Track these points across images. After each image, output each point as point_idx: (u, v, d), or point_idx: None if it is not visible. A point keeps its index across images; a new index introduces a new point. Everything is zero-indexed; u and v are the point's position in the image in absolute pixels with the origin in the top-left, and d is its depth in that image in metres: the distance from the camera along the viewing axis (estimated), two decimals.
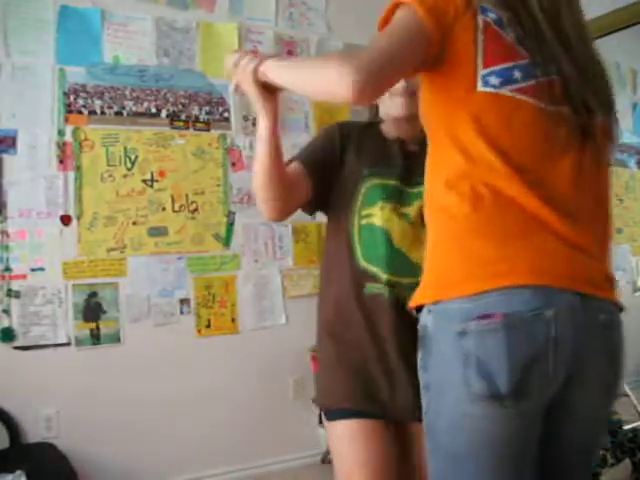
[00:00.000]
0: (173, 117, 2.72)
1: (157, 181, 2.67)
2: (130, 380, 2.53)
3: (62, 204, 2.50)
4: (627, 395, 3.07)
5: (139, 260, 2.62)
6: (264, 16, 2.96)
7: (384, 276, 1.22)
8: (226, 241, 2.78)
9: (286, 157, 1.24)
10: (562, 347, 0.88)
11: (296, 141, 2.40)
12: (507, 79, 0.92)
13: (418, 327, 0.97)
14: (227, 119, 2.82)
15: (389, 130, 1.34)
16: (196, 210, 2.73)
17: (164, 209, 2.67)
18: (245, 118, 2.80)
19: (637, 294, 3.34)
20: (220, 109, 2.80)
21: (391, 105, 1.28)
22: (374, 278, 1.23)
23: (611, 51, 3.00)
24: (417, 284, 1.00)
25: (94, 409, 2.49)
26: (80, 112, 2.55)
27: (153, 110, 2.68)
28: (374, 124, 1.37)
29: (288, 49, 3.02)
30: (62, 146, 2.51)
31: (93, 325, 2.54)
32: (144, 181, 2.65)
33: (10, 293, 2.41)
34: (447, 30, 0.93)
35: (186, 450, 2.63)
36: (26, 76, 2.45)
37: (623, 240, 3.28)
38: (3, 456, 2.23)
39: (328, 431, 1.31)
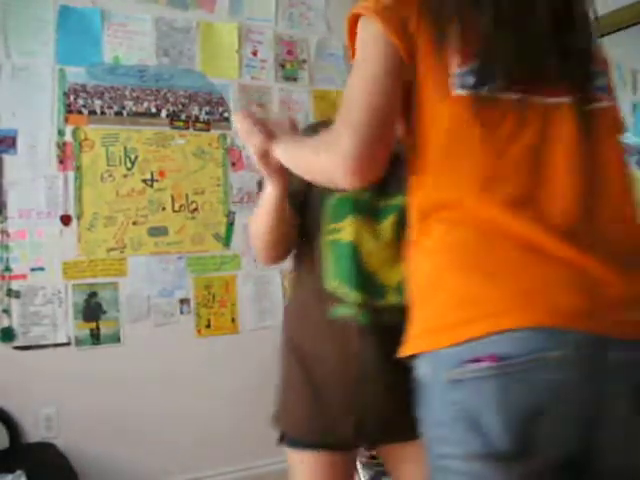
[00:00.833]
0: (173, 117, 2.72)
1: (157, 181, 2.67)
2: (130, 380, 2.53)
3: (62, 204, 2.50)
4: None
5: (139, 260, 2.62)
6: (264, 16, 2.96)
7: (352, 297, 1.10)
8: (226, 241, 2.78)
9: None
10: (571, 396, 0.74)
11: None
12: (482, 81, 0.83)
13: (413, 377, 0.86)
14: (227, 119, 2.82)
15: None
16: (196, 210, 2.73)
17: (164, 209, 2.67)
18: None
19: None
20: (220, 109, 2.80)
21: None
22: (341, 299, 1.11)
23: (611, 51, 3.02)
24: (390, 307, 0.96)
25: (94, 409, 2.48)
26: (80, 112, 2.55)
27: (153, 110, 2.68)
28: None
29: (288, 49, 3.02)
30: (62, 146, 2.51)
31: (93, 325, 2.54)
32: (144, 181, 2.65)
33: (10, 293, 2.41)
34: (416, 39, 0.84)
35: (186, 450, 2.63)
36: (26, 76, 2.45)
37: None
38: (3, 456, 2.23)
39: (288, 455, 1.20)
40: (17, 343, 2.41)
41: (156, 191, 2.66)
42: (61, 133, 2.51)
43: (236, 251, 2.80)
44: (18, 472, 1.97)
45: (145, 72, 2.67)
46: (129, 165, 2.63)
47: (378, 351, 1.08)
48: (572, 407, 0.74)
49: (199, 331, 2.72)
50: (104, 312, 2.56)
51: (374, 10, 0.85)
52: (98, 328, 2.55)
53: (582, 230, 0.79)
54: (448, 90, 0.83)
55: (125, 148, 2.62)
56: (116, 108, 2.61)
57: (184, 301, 2.71)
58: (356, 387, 1.09)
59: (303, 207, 1.18)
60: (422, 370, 0.83)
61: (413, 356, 0.84)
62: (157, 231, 2.65)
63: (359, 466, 2.49)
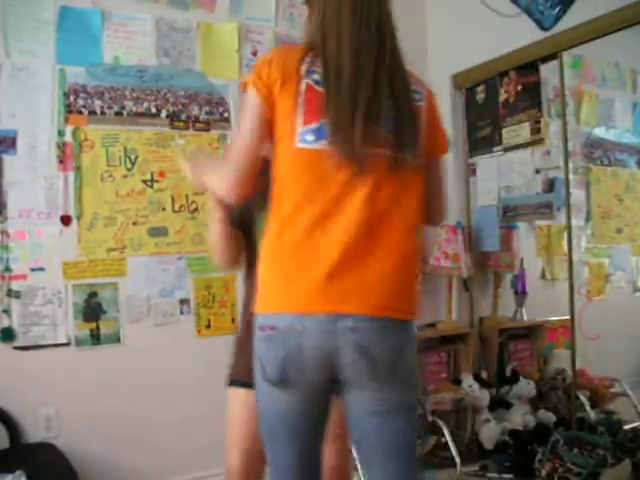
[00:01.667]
0: (173, 117, 2.72)
1: (157, 181, 2.67)
2: (130, 380, 2.53)
3: (62, 204, 2.50)
4: (627, 395, 3.07)
5: (139, 260, 2.62)
6: (264, 16, 2.96)
7: None
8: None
9: None
10: (311, 349, 1.19)
11: None
12: (319, 135, 1.19)
13: None
14: (227, 119, 2.82)
15: None
16: (196, 210, 2.73)
17: (164, 209, 2.67)
18: None
19: (637, 294, 3.34)
20: (220, 109, 2.80)
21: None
22: None
23: (611, 51, 3.02)
24: None
25: (94, 409, 2.49)
26: (80, 112, 2.55)
27: (153, 110, 2.68)
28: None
29: None
30: (62, 146, 2.51)
31: (93, 325, 2.54)
32: (144, 181, 2.65)
33: (10, 293, 2.41)
34: (276, 97, 1.22)
35: (186, 450, 2.63)
36: (26, 76, 2.45)
37: (623, 240, 3.28)
38: (3, 456, 2.23)
39: (229, 395, 1.63)
40: (17, 343, 2.41)
41: (156, 191, 2.66)
42: (61, 133, 2.51)
43: None
44: (18, 472, 1.97)
45: (145, 72, 2.67)
46: (129, 165, 2.63)
47: None
48: (318, 351, 1.18)
49: (199, 331, 2.72)
50: (104, 312, 2.56)
51: (252, 81, 1.24)
52: (98, 328, 2.55)
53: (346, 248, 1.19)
54: (292, 143, 1.20)
55: (125, 148, 2.62)
56: (116, 108, 2.61)
57: (184, 301, 2.71)
58: None
59: (248, 227, 1.59)
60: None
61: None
62: (157, 231, 2.65)
63: (359, 466, 2.49)
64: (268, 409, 1.28)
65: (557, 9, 2.74)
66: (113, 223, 2.58)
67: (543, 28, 2.80)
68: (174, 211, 2.69)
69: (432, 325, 3.27)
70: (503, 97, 3.06)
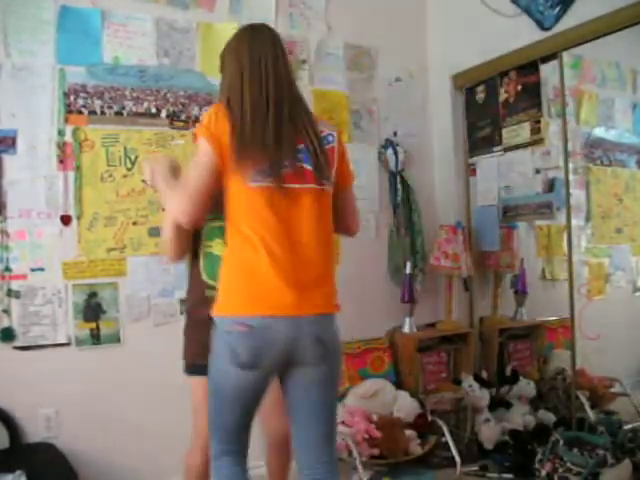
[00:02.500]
0: (173, 117, 2.72)
1: None
2: (130, 380, 2.54)
3: (62, 204, 2.50)
4: (627, 395, 3.07)
5: (139, 260, 2.62)
6: (264, 16, 2.95)
7: (214, 285, 1.71)
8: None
9: None
10: (280, 342, 1.52)
11: None
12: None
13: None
14: None
15: None
16: None
17: (164, 209, 2.67)
18: None
19: (637, 294, 3.34)
20: None
21: None
22: (210, 286, 1.80)
23: (611, 51, 3.02)
24: None
25: (94, 409, 2.49)
26: (80, 112, 2.55)
27: (153, 110, 2.68)
28: None
29: (288, 49, 3.01)
30: (62, 146, 2.51)
31: (93, 325, 2.54)
32: (144, 181, 2.63)
33: (10, 293, 2.41)
34: (225, 149, 1.52)
35: (186, 450, 2.62)
36: (26, 76, 2.45)
37: (623, 240, 3.28)
38: (3, 456, 2.23)
39: (193, 384, 1.88)
40: (17, 343, 2.41)
41: (156, 191, 2.65)
42: (61, 133, 2.51)
43: None
44: (18, 472, 1.97)
45: (145, 72, 2.67)
46: (129, 165, 2.63)
47: None
48: (285, 344, 1.53)
49: None
50: (104, 312, 2.56)
51: (202, 133, 1.55)
52: (98, 328, 2.55)
53: (296, 260, 1.56)
54: (246, 182, 1.53)
55: (125, 148, 2.62)
56: (116, 108, 2.61)
57: (184, 301, 2.70)
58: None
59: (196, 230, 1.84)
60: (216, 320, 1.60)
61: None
62: (157, 231, 2.65)
63: (359, 466, 2.49)
64: (230, 386, 1.58)
65: (557, 9, 2.74)
66: (113, 223, 2.58)
67: (543, 28, 2.80)
68: None
69: (432, 325, 3.28)
70: (503, 97, 3.06)
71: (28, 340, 2.43)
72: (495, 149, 3.14)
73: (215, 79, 2.76)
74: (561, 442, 2.44)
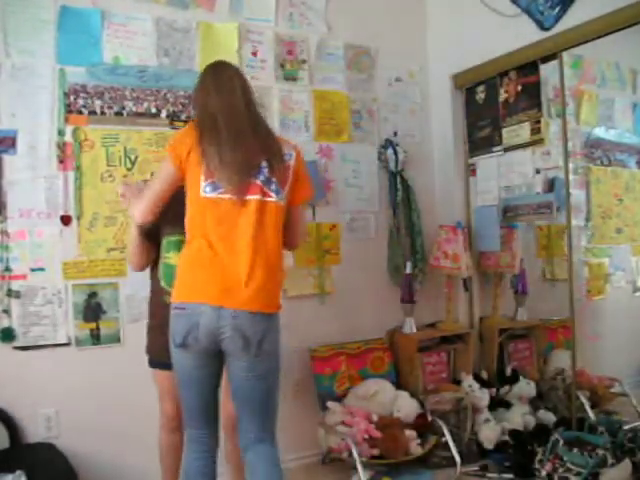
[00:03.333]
0: (173, 117, 2.72)
1: None
2: (130, 380, 2.53)
3: (62, 204, 2.50)
4: (627, 395, 3.07)
5: None
6: (264, 16, 2.96)
7: (169, 292, 1.95)
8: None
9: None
10: (204, 326, 1.77)
11: (296, 141, 2.40)
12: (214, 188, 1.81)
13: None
14: None
15: None
16: None
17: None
18: None
19: (637, 294, 3.34)
20: None
21: None
22: (166, 292, 2.04)
23: (611, 51, 3.02)
24: None
25: (94, 409, 2.49)
26: (80, 112, 2.55)
27: (153, 110, 2.68)
28: None
29: (288, 49, 3.02)
30: (62, 146, 2.51)
31: (93, 325, 2.54)
32: (144, 181, 2.64)
33: (10, 293, 2.41)
34: (184, 164, 1.83)
35: None
36: (26, 76, 2.45)
37: (623, 240, 3.28)
38: (3, 456, 2.23)
39: (155, 375, 2.18)
40: (17, 343, 2.41)
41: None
42: (61, 133, 2.51)
43: None
44: (18, 472, 1.97)
45: (145, 72, 2.67)
46: (129, 165, 2.63)
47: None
48: (208, 329, 1.78)
49: None
50: (104, 312, 2.56)
51: (167, 149, 1.89)
52: (98, 328, 2.55)
53: (239, 260, 1.80)
54: (198, 193, 1.81)
55: (125, 148, 2.62)
56: (116, 108, 2.61)
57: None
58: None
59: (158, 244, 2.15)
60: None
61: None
62: None
63: (359, 466, 2.49)
64: (180, 366, 1.86)
65: (557, 9, 2.74)
66: (113, 223, 2.58)
67: (543, 28, 2.80)
68: None
69: (432, 325, 3.28)
70: (503, 97, 3.06)
71: (28, 340, 2.43)
72: (495, 149, 3.14)
73: None
74: (561, 442, 2.44)
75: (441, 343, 3.23)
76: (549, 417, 2.95)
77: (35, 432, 2.41)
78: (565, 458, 2.38)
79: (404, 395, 2.88)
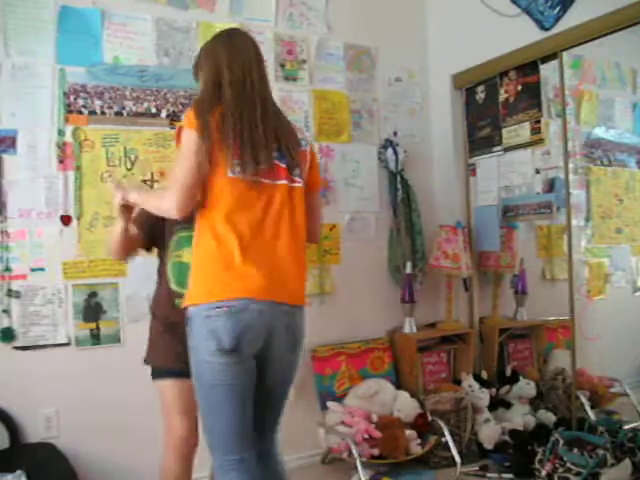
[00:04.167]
0: (173, 117, 2.72)
1: (157, 181, 2.67)
2: (130, 380, 2.53)
3: (62, 204, 2.50)
4: (627, 395, 3.07)
5: (139, 260, 2.59)
6: (264, 16, 2.96)
7: (183, 294, 1.76)
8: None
9: None
10: (258, 324, 1.58)
11: None
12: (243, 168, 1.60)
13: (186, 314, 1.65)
14: None
15: None
16: None
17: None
18: None
19: (637, 294, 3.34)
20: None
21: None
22: (179, 295, 1.87)
23: (611, 51, 3.02)
24: None
25: (94, 409, 2.49)
26: (80, 112, 2.55)
27: (153, 110, 2.68)
28: None
29: (288, 49, 3.02)
30: (62, 146, 2.51)
31: (93, 325, 2.54)
32: (144, 181, 2.65)
33: (10, 293, 2.41)
34: (213, 134, 1.57)
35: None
36: (26, 76, 2.45)
37: (623, 240, 3.28)
38: (3, 456, 2.23)
39: (159, 388, 1.96)
40: (17, 343, 2.41)
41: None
42: (61, 133, 2.51)
43: None
44: (18, 472, 1.97)
45: (145, 72, 2.67)
46: (129, 165, 2.63)
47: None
48: (259, 330, 1.59)
49: None
50: (104, 312, 2.56)
51: (190, 124, 1.59)
52: (98, 328, 2.55)
53: (273, 252, 1.63)
54: (224, 173, 1.59)
55: (125, 148, 2.62)
56: (116, 108, 2.61)
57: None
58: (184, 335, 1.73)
59: (154, 235, 1.99)
60: (192, 310, 1.62)
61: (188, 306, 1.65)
62: None
63: (359, 466, 2.49)
64: (223, 377, 1.58)
65: (557, 9, 2.74)
66: (113, 223, 2.57)
67: (543, 28, 2.80)
68: None
69: (432, 325, 3.28)
70: (503, 97, 3.06)
71: (28, 340, 2.43)
72: (495, 149, 3.14)
73: None
74: (561, 442, 2.44)
75: (441, 343, 3.23)
76: (549, 417, 2.95)
77: (35, 432, 2.41)
78: (565, 458, 2.38)
79: (404, 395, 2.88)
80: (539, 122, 2.88)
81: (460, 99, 3.34)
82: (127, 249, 1.99)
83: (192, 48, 2.76)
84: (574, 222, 2.85)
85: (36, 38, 2.47)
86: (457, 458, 2.65)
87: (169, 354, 1.91)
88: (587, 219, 3.18)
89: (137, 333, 2.58)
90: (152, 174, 2.66)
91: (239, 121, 1.60)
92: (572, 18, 2.65)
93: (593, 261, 3.22)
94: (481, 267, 3.32)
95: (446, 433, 2.69)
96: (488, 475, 2.66)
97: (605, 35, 2.50)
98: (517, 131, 2.99)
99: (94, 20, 2.57)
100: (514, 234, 3.21)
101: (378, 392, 2.86)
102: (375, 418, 2.70)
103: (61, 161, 2.50)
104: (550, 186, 3.11)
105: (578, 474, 2.32)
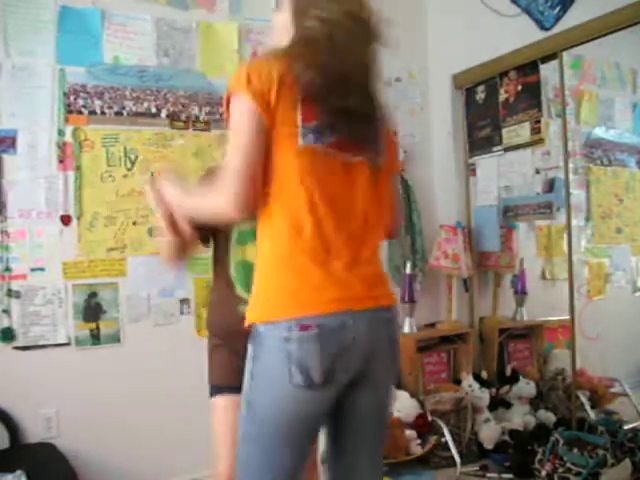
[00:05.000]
0: (173, 117, 2.72)
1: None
2: (130, 380, 2.53)
3: (62, 204, 2.50)
4: (627, 395, 3.07)
5: (139, 260, 2.62)
6: (264, 16, 2.94)
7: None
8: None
9: None
10: (359, 344, 1.20)
11: None
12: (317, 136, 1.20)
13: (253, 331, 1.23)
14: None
15: None
16: None
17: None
18: None
19: (637, 294, 3.34)
20: (220, 109, 2.80)
21: None
22: (244, 300, 1.45)
23: (611, 51, 3.02)
24: None
25: (94, 409, 2.49)
26: (80, 112, 2.55)
27: (153, 110, 2.68)
28: None
29: None
30: (62, 146, 2.51)
31: (93, 325, 2.54)
32: (144, 181, 2.65)
33: (10, 293, 2.41)
34: (273, 106, 1.17)
35: (186, 450, 2.62)
36: (26, 76, 2.45)
37: (623, 240, 3.28)
38: (3, 456, 2.23)
39: (213, 407, 1.69)
40: (17, 343, 2.41)
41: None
42: (61, 133, 2.51)
43: None
44: (18, 472, 1.97)
45: (145, 72, 2.67)
46: (129, 165, 2.63)
47: None
48: (360, 350, 1.20)
49: (199, 331, 2.71)
50: (104, 312, 2.56)
51: (241, 89, 1.17)
52: (98, 328, 2.55)
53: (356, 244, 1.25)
54: (295, 142, 1.18)
55: (125, 148, 2.62)
56: (116, 108, 2.61)
57: (184, 301, 2.71)
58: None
59: (214, 236, 1.63)
60: (263, 328, 1.20)
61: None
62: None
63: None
64: (287, 416, 1.18)
65: (557, 9, 2.74)
66: (113, 223, 2.58)
67: (543, 28, 2.80)
68: None
69: (432, 325, 3.28)
70: (503, 97, 3.06)
71: (28, 340, 2.43)
72: (495, 149, 3.14)
73: (215, 79, 2.78)
74: (561, 442, 2.44)
75: (441, 343, 3.22)
76: (549, 417, 2.94)
77: (35, 432, 2.41)
78: (565, 458, 2.37)
79: (404, 395, 2.88)
80: (539, 122, 2.88)
81: (460, 99, 3.34)
82: (186, 254, 1.62)
83: (192, 48, 2.76)
84: (574, 222, 2.85)
85: (36, 38, 2.47)
86: (457, 458, 2.64)
87: (228, 369, 1.62)
88: (587, 219, 3.18)
89: (137, 333, 2.60)
90: (152, 174, 2.65)
91: (321, 77, 1.21)
92: (572, 18, 2.65)
93: (593, 261, 3.22)
94: (481, 267, 3.32)
95: (446, 433, 2.69)
96: (488, 475, 2.66)
97: (605, 35, 2.50)
98: (517, 131, 2.99)
99: (94, 20, 2.57)
100: (514, 234, 3.21)
101: None
102: None
103: (61, 161, 2.50)
104: (550, 186, 3.11)
105: (578, 474, 2.32)
